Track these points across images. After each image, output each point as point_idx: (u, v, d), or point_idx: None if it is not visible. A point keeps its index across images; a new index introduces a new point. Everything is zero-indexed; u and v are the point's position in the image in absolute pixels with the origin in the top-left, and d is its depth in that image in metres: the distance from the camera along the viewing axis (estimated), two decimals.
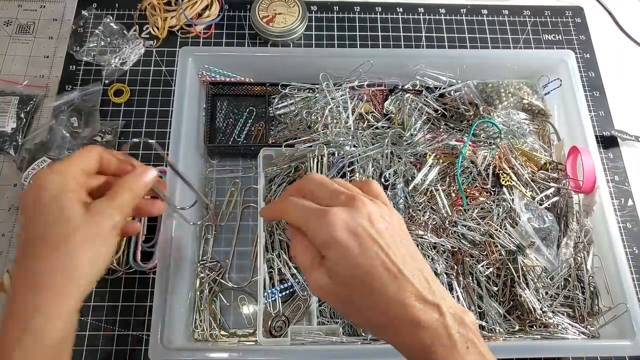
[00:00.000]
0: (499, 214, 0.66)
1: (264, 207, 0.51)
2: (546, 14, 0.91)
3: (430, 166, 0.69)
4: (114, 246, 0.44)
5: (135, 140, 0.70)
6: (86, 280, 0.42)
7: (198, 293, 0.65)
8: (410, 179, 0.68)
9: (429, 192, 0.68)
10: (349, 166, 0.67)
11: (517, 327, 0.62)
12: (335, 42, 0.86)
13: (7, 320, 0.40)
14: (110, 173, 0.48)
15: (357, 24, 0.87)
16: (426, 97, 0.75)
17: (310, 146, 0.67)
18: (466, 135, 0.69)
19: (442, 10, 0.90)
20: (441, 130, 0.73)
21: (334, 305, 0.42)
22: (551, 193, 0.69)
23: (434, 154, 0.70)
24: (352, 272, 0.39)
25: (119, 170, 0.48)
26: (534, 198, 0.68)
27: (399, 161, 0.68)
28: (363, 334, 0.61)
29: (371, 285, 0.38)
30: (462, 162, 0.68)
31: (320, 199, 0.42)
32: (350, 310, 0.41)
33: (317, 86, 0.74)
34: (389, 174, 0.66)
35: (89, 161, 0.46)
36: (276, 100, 0.75)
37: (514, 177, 0.69)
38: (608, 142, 0.80)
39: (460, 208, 0.66)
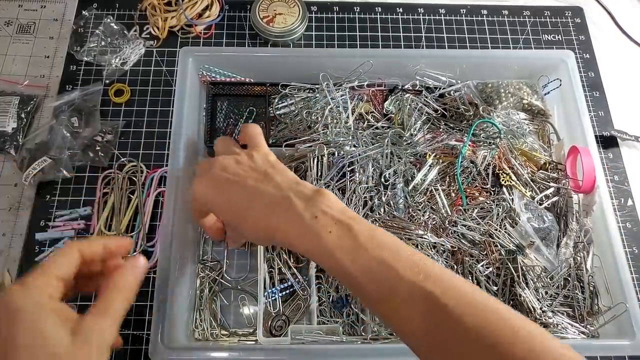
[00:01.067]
0: (498, 214, 0.66)
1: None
2: (546, 14, 0.91)
3: (430, 166, 0.69)
4: None
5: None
6: None
7: (198, 292, 0.65)
8: (410, 178, 0.68)
9: (428, 192, 0.68)
10: (349, 166, 0.67)
11: None
12: (335, 42, 0.86)
13: None
14: (97, 264, 0.44)
15: (357, 24, 0.87)
16: (426, 97, 0.75)
17: (310, 146, 0.67)
18: (466, 135, 0.70)
19: (442, 11, 0.90)
20: (441, 130, 0.74)
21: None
22: (551, 193, 0.69)
23: (434, 154, 0.70)
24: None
25: (107, 258, 0.44)
26: (533, 198, 0.68)
27: (399, 161, 0.69)
28: (363, 334, 0.61)
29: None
30: (462, 162, 0.68)
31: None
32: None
33: (317, 86, 0.74)
34: (389, 174, 0.67)
35: (67, 266, 0.40)
36: (276, 100, 0.75)
37: (513, 177, 0.69)
38: (608, 142, 0.80)
39: (460, 208, 0.66)
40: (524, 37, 0.88)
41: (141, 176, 0.72)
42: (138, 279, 0.43)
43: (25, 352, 0.34)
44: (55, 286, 0.38)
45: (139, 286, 0.42)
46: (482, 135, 0.72)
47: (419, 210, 0.66)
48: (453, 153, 0.70)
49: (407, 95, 0.75)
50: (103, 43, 0.81)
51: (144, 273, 0.44)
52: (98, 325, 0.37)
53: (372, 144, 0.69)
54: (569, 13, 0.91)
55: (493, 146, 0.70)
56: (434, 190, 0.67)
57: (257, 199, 0.49)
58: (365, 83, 0.75)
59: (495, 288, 0.63)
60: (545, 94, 0.77)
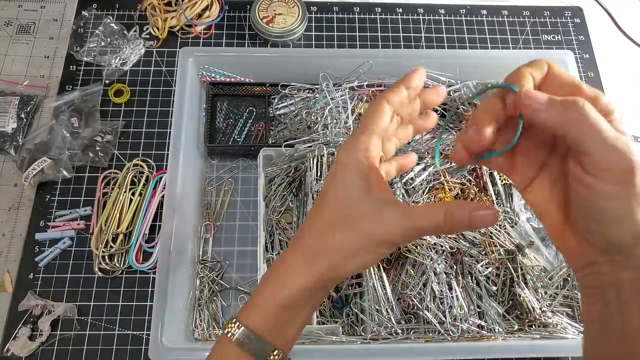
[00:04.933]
0: (498, 214, 0.66)
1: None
2: (545, 14, 0.91)
3: (425, 164, 0.69)
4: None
5: None
6: (340, 273, 0.40)
7: (198, 293, 0.65)
8: (410, 180, 0.68)
9: (428, 192, 0.68)
10: None
11: (516, 327, 0.62)
12: (335, 42, 0.86)
13: (279, 274, 0.40)
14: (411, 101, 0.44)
15: (357, 25, 0.87)
16: None
17: (310, 146, 0.67)
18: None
19: (442, 11, 0.90)
20: (440, 130, 0.73)
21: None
22: None
23: (432, 154, 0.70)
24: None
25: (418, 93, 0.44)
26: None
27: None
28: (363, 334, 0.61)
29: None
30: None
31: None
32: None
33: (317, 86, 0.74)
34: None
35: (383, 122, 0.41)
36: (276, 100, 0.75)
37: None
38: None
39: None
40: (523, 37, 0.88)
41: (141, 176, 0.72)
42: (468, 224, 0.38)
43: (333, 196, 0.40)
44: (374, 144, 0.41)
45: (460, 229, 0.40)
46: None
47: None
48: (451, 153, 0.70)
49: None
50: (103, 43, 0.81)
51: (478, 227, 0.40)
52: (397, 224, 0.38)
53: None
54: (568, 13, 0.91)
55: None
56: (433, 190, 0.67)
57: None
58: (365, 83, 0.75)
59: (494, 288, 0.63)
60: None
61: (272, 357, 0.38)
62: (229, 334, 0.38)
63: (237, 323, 0.39)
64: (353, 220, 0.39)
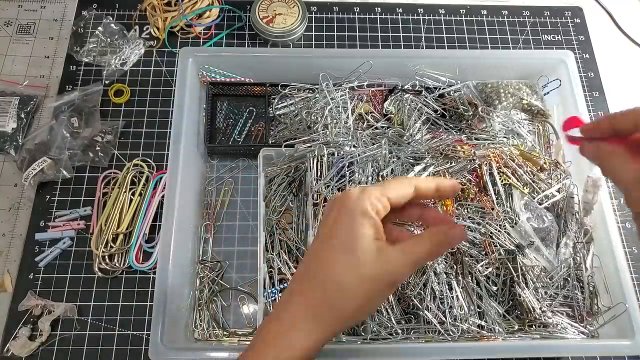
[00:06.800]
0: (498, 214, 0.66)
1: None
2: (545, 14, 0.91)
3: (425, 165, 0.69)
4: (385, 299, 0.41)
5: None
6: (346, 325, 0.40)
7: (198, 293, 0.65)
8: None
9: None
10: (348, 166, 0.67)
11: (516, 327, 0.62)
12: (335, 42, 0.86)
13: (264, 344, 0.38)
14: (417, 201, 0.44)
15: (357, 25, 0.87)
16: (426, 98, 0.75)
17: (310, 146, 0.67)
18: (464, 135, 0.70)
19: (442, 11, 0.90)
20: (440, 130, 0.74)
21: None
22: (551, 193, 0.69)
23: (432, 155, 0.70)
24: None
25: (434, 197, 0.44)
26: (533, 198, 0.68)
27: (397, 159, 0.69)
28: (363, 334, 0.61)
29: None
30: (461, 161, 0.68)
31: None
32: None
33: (317, 86, 0.74)
34: (387, 172, 0.67)
35: (400, 195, 0.41)
36: (276, 100, 0.75)
37: (513, 177, 0.69)
38: None
39: (457, 211, 0.66)
40: (523, 37, 0.88)
41: (141, 176, 0.72)
42: (448, 243, 0.42)
43: (340, 240, 0.39)
44: (384, 205, 0.40)
45: (445, 250, 0.43)
46: (482, 135, 0.73)
47: None
48: (452, 153, 0.70)
49: (407, 95, 0.75)
50: (103, 43, 0.81)
51: (455, 243, 0.44)
52: (398, 262, 0.39)
53: (372, 144, 0.69)
54: (568, 13, 0.91)
55: (493, 146, 0.70)
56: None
57: None
58: (365, 83, 0.75)
59: (495, 288, 0.63)
60: (545, 94, 0.77)
61: None
62: None
63: None
64: (361, 266, 0.37)
